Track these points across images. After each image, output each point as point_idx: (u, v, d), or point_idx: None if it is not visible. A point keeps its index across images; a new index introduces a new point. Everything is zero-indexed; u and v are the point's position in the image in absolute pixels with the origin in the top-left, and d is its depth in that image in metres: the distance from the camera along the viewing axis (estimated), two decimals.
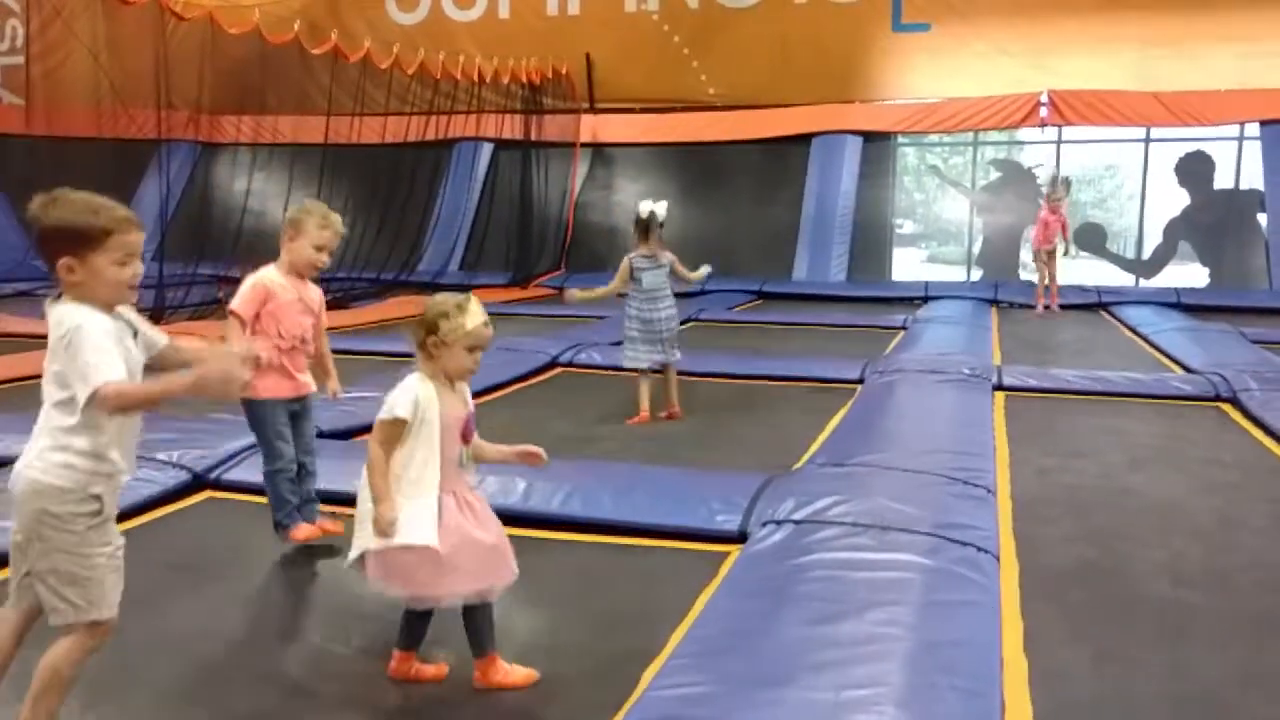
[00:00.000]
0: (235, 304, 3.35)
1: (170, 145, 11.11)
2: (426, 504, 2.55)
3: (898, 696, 2.37)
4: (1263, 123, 13.94)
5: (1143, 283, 14.87)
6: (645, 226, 6.13)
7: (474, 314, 2.60)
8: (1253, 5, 13.60)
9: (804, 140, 15.47)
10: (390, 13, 17.12)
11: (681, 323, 7.13)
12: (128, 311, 2.32)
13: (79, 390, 2.14)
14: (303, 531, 3.32)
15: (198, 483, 4.34)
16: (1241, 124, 14.21)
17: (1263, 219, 14.14)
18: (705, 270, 6.44)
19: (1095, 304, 12.86)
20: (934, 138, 16.15)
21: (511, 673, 2.68)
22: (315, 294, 3.51)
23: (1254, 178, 14.29)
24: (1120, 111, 14.11)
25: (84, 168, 10.50)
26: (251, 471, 4.10)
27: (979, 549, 3.41)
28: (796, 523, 3.60)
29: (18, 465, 2.25)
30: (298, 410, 3.44)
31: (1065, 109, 14.25)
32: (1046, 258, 12.22)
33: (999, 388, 6.87)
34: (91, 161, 11.51)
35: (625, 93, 16.22)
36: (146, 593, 3.19)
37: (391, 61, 13.21)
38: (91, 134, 13.13)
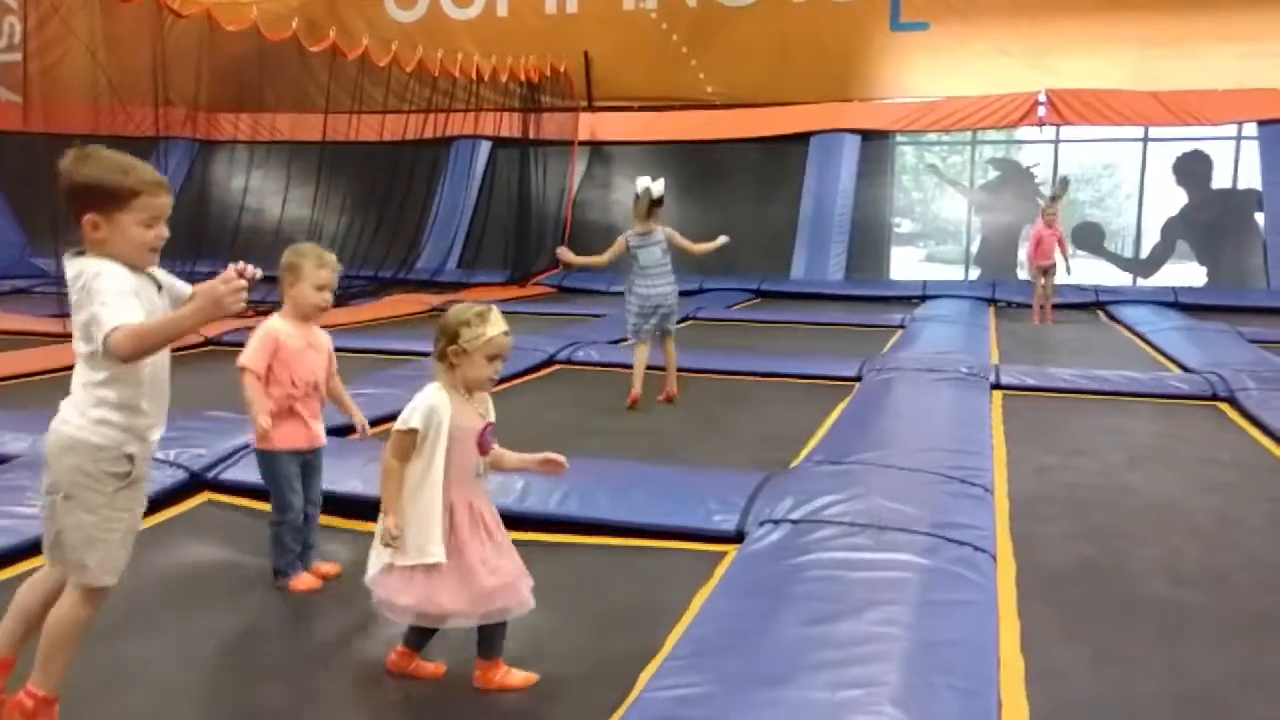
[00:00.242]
0: (246, 359, 3.30)
1: (168, 142, 11.12)
2: (433, 518, 2.57)
3: (895, 696, 2.36)
4: (1260, 122, 13.97)
5: (1140, 282, 14.90)
6: (646, 204, 6.34)
7: (495, 323, 2.63)
8: (1252, 5, 13.62)
9: (802, 139, 15.48)
10: (389, 10, 17.12)
11: (679, 321, 7.14)
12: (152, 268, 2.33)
13: (96, 335, 2.14)
14: (303, 582, 3.35)
15: (195, 481, 4.33)
16: (1239, 124, 14.23)
17: (1260, 218, 14.17)
18: (722, 240, 6.63)
19: (1093, 303, 12.89)
20: (932, 137, 16.16)
21: (510, 676, 2.69)
22: (323, 337, 3.50)
23: (1251, 177, 14.32)
24: (1119, 111, 14.12)
25: None
26: (249, 471, 4.09)
27: (976, 548, 3.40)
28: (794, 522, 3.59)
29: (54, 422, 2.28)
30: (309, 461, 3.45)
31: (1064, 108, 14.26)
32: (1042, 274, 11.41)
33: (997, 386, 6.87)
34: None
35: (623, 91, 16.23)
36: (146, 593, 3.20)
37: (390, 59, 13.20)
38: (89, 131, 13.03)
